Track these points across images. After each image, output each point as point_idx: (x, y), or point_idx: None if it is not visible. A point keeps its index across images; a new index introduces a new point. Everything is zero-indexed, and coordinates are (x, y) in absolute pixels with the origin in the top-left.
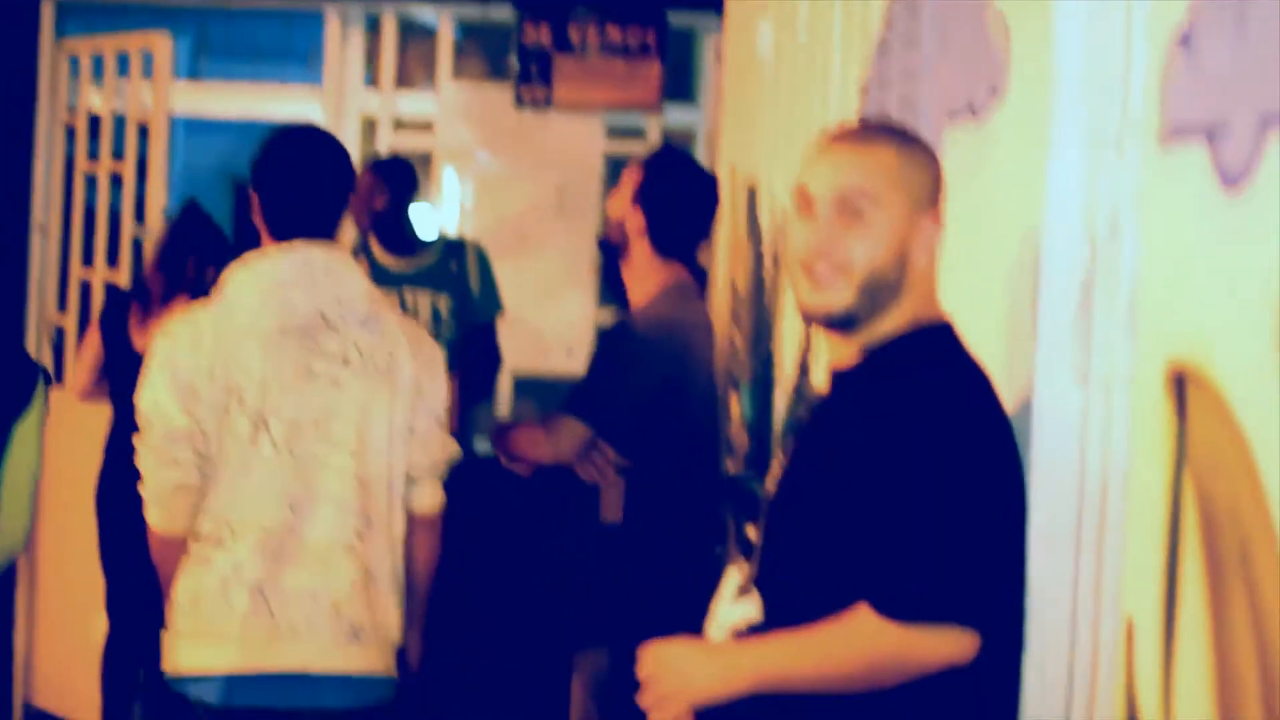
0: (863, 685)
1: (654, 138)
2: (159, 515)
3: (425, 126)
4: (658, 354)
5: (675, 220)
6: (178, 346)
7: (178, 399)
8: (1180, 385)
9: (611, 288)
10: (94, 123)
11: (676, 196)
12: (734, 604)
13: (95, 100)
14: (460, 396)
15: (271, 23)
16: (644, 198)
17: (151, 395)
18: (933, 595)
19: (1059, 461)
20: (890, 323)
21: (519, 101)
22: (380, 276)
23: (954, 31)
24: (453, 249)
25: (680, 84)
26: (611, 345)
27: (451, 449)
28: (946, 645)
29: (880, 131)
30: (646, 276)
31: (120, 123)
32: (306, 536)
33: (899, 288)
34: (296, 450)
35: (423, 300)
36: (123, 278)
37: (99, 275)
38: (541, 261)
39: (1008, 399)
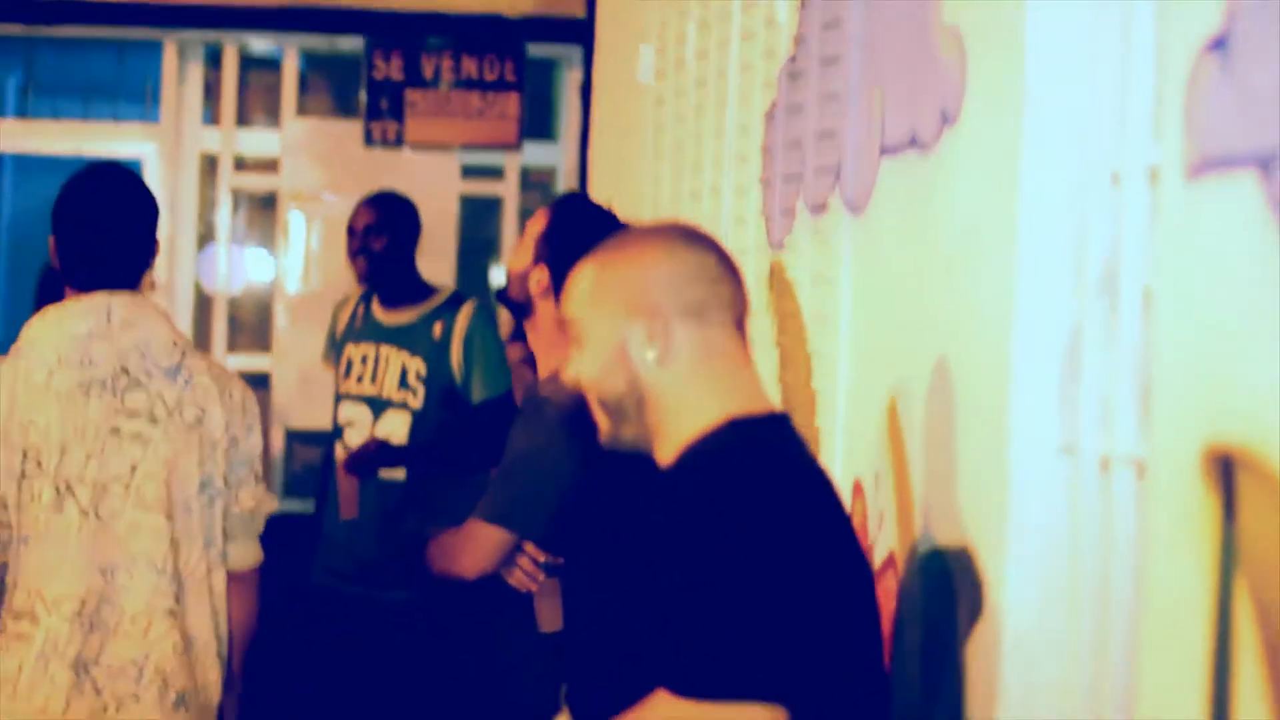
0: None
1: (512, 177)
2: None
3: (269, 165)
4: (575, 428)
5: None
6: None
7: None
8: (1226, 471)
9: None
10: None
11: (585, 246)
12: None
13: None
14: (424, 479)
15: (105, 56)
16: (550, 252)
17: None
18: (725, 671)
19: (1044, 551)
20: (684, 425)
21: (368, 139)
22: (367, 329)
23: (890, 50)
24: (446, 308)
25: (539, 120)
26: (523, 427)
27: (267, 503)
28: None
29: (606, 241)
30: (556, 341)
31: None
32: (123, 605)
33: (640, 398)
34: (104, 514)
35: (394, 359)
36: None
37: None
38: None
39: (984, 470)
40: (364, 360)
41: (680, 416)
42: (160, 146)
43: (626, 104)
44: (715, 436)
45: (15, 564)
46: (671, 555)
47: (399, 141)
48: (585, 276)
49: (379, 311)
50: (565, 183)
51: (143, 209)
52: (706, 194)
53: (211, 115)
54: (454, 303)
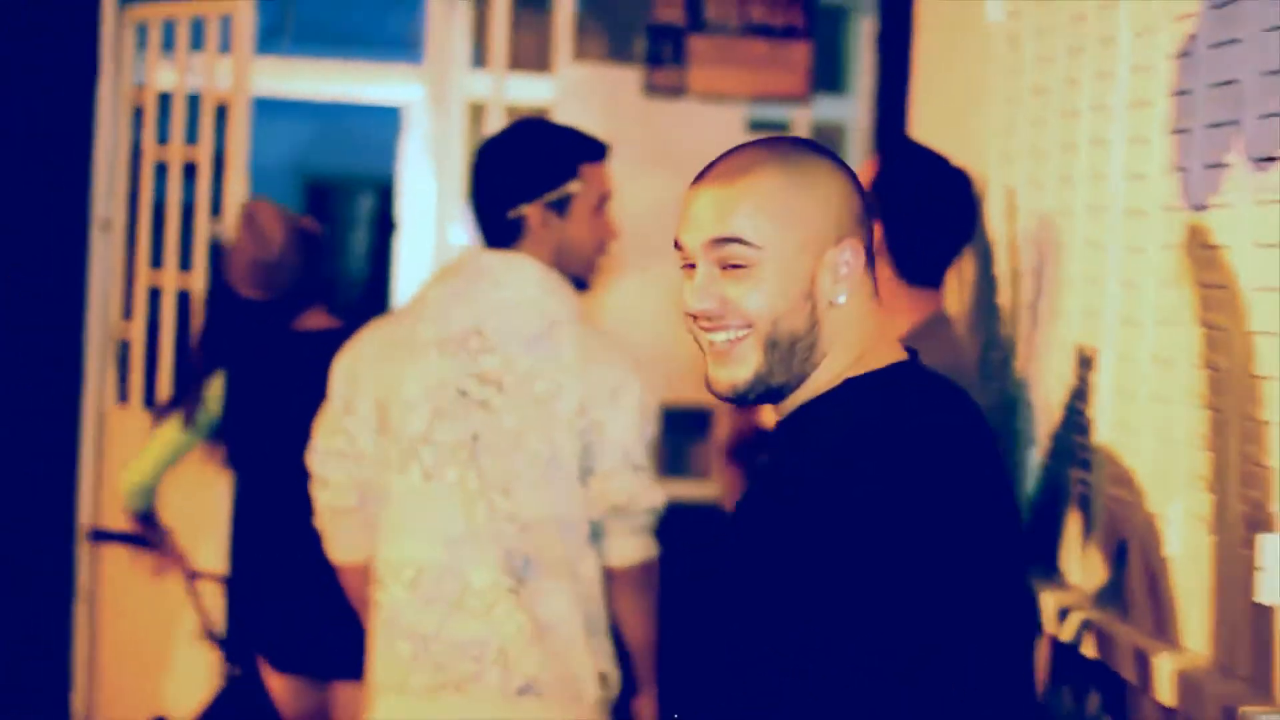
0: None
1: (801, 133)
2: (326, 542)
3: (541, 114)
4: None
5: (926, 233)
6: (343, 361)
7: (335, 417)
8: None
9: None
10: (164, 102)
11: (927, 201)
12: None
13: (166, 76)
14: None
15: (365, 2)
16: (883, 203)
17: (323, 411)
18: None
19: None
20: (820, 379)
21: (648, 88)
22: None
23: None
24: None
25: (827, 73)
26: None
27: (647, 496)
28: None
29: (759, 152)
30: (891, 308)
31: (194, 102)
32: (468, 578)
33: (813, 338)
34: (447, 480)
35: None
36: (196, 281)
37: (170, 279)
38: (670, 274)
39: None
40: None
41: (828, 362)
42: (427, 90)
43: (962, 47)
44: (819, 406)
45: (377, 527)
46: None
47: (681, 91)
48: (762, 184)
49: None
50: (858, 139)
51: (516, 161)
52: (1085, 145)
53: (480, 59)
54: None
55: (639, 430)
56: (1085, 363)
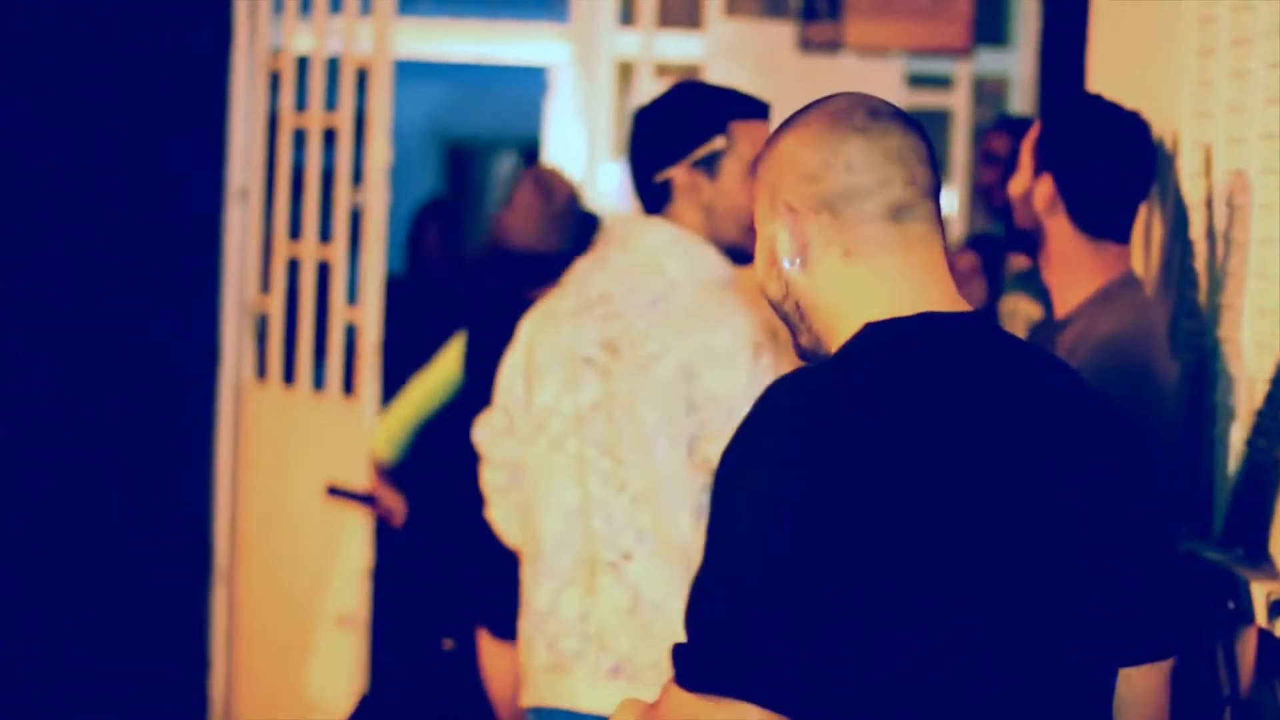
0: None
1: (963, 87)
2: (493, 523)
3: (692, 73)
4: (1121, 396)
5: (1104, 181)
6: (518, 335)
7: (497, 394)
8: None
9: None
10: (302, 67)
11: (1101, 148)
12: None
13: (304, 40)
14: None
15: None
16: (1054, 155)
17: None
18: (710, 662)
19: None
20: (837, 335)
21: (804, 43)
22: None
23: None
24: None
25: (989, 23)
26: None
27: None
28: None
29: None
30: (1076, 268)
31: (334, 67)
32: (579, 550)
33: (794, 302)
34: (569, 451)
35: (1022, 308)
36: (337, 253)
37: (309, 250)
38: None
39: None
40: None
41: (833, 326)
42: (573, 49)
43: None
44: (846, 349)
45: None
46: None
47: (838, 45)
48: (771, 151)
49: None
50: (1022, 95)
51: (662, 122)
52: None
53: (627, 15)
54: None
55: (751, 396)
56: None
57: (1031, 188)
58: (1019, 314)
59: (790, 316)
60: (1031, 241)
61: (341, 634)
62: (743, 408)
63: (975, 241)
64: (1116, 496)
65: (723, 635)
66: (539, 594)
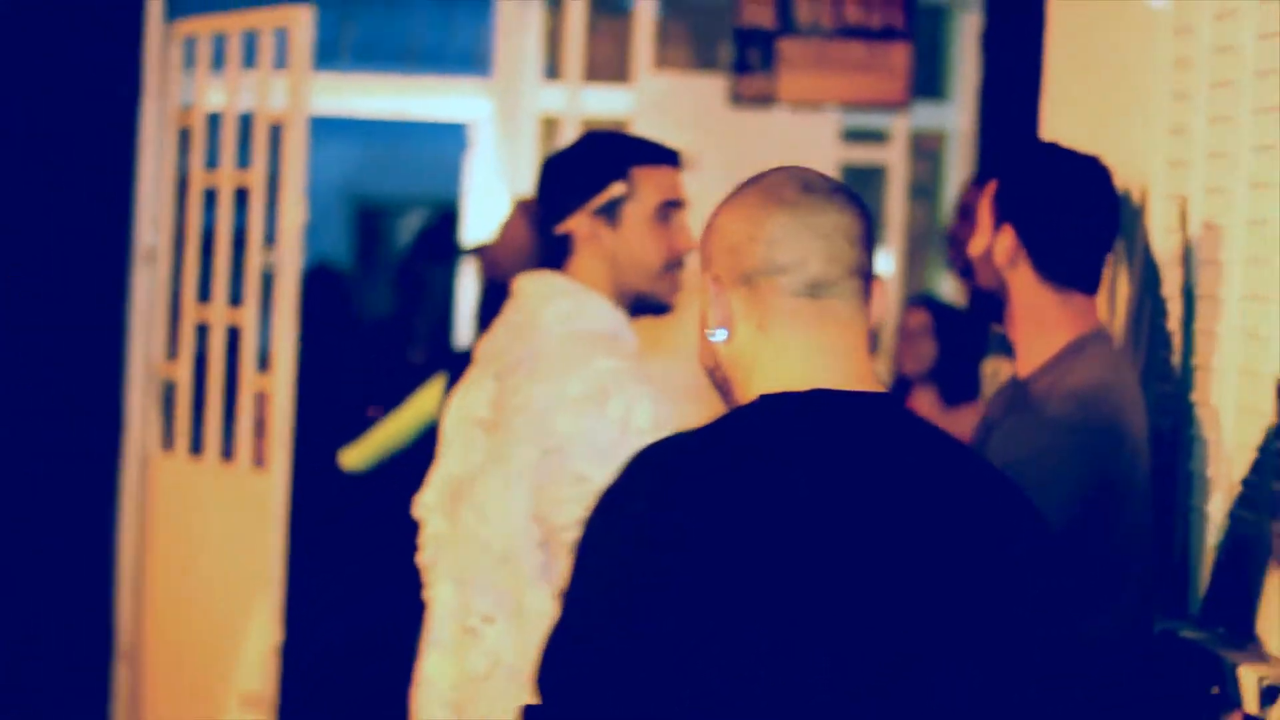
0: None
1: (899, 142)
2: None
3: (619, 129)
4: (1090, 448)
5: (1067, 224)
6: None
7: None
8: None
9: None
10: (213, 123)
11: (1061, 191)
12: None
13: (215, 96)
14: None
15: (430, 13)
16: (1013, 204)
17: None
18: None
19: None
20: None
21: (736, 97)
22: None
23: None
24: None
25: (927, 76)
26: (1015, 434)
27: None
28: None
29: None
30: (1043, 322)
31: (246, 123)
32: (461, 619)
33: (723, 374)
34: (461, 516)
35: (1005, 370)
36: (248, 317)
37: (219, 314)
38: None
39: None
40: None
41: (747, 397)
42: (496, 105)
43: (1111, 41)
44: (726, 420)
45: None
46: None
47: (770, 99)
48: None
49: None
50: (961, 149)
51: (561, 171)
52: None
53: (553, 70)
54: None
55: (594, 444)
56: None
57: (992, 243)
58: (1002, 374)
59: (719, 385)
60: (996, 304)
61: (248, 714)
62: (583, 455)
63: (926, 300)
64: (998, 594)
65: (569, 698)
66: (425, 663)
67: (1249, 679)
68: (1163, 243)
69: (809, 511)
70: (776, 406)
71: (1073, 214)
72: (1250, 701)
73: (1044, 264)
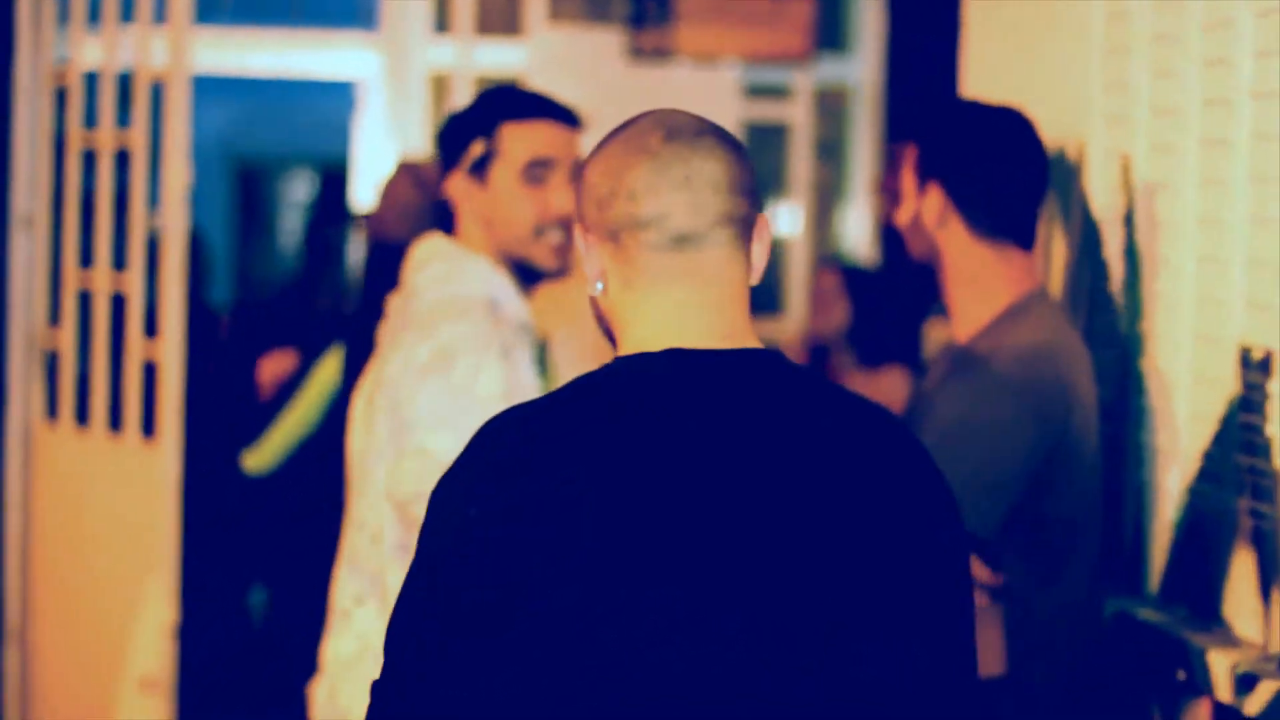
0: None
1: (803, 97)
2: None
3: (514, 85)
4: (1040, 411)
5: (994, 174)
6: None
7: None
8: None
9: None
10: (91, 81)
11: (985, 141)
12: None
13: (93, 52)
14: None
15: None
16: (937, 161)
17: None
18: (395, 701)
19: None
20: None
21: (633, 51)
22: None
23: None
24: None
25: (829, 28)
26: (956, 391)
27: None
28: None
29: None
30: (980, 283)
31: (126, 81)
32: (343, 602)
33: (606, 325)
34: (356, 490)
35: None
36: (133, 282)
37: (102, 280)
38: None
39: None
40: None
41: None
42: (384, 61)
43: None
44: (579, 382)
45: None
46: None
47: (668, 53)
48: None
49: None
50: (867, 105)
51: (440, 133)
52: (1244, 99)
53: (443, 24)
54: None
55: (438, 412)
56: (1255, 365)
57: (919, 206)
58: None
59: (611, 342)
60: (932, 272)
61: (145, 698)
62: (424, 425)
63: (835, 261)
64: (887, 537)
65: (405, 678)
66: (322, 645)
67: (1221, 664)
68: (1103, 202)
69: (660, 474)
70: (629, 368)
71: (999, 162)
72: (1222, 688)
73: (975, 217)
